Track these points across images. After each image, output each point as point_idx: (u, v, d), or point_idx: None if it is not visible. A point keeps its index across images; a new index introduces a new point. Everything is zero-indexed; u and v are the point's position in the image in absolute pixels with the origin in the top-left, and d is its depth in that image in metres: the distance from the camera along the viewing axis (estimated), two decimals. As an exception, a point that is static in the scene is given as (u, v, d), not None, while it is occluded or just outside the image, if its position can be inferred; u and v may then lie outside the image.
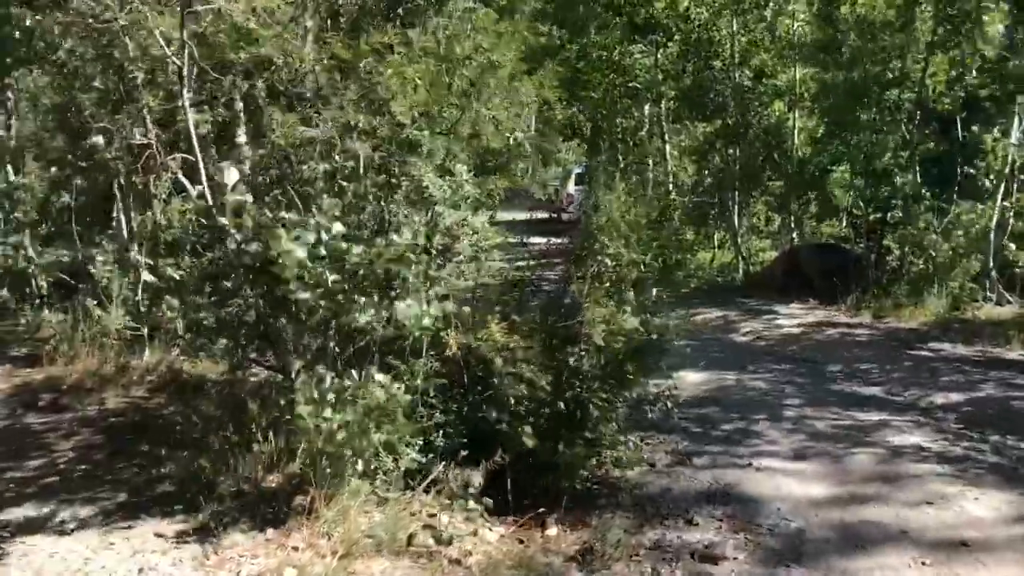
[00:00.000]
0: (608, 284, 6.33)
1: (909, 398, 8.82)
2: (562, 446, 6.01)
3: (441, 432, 6.11)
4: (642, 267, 6.64)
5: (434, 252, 5.53)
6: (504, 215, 31.48)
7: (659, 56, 17.06)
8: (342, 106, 4.54)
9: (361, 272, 4.75)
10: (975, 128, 13.75)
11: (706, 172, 18.11)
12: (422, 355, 5.96)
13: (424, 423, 5.85)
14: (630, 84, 18.34)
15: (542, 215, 33.90)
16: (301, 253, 4.26)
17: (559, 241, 22.58)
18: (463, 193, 5.38)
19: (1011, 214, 13.08)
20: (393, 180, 4.93)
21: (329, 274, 4.77)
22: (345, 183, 4.60)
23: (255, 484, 5.69)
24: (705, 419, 8.05)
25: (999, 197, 13.29)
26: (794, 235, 17.19)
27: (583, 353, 6.10)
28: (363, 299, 4.98)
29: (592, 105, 19.85)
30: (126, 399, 8.24)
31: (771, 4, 16.14)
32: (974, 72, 13.43)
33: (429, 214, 5.42)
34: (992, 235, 13.28)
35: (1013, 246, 13.14)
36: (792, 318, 13.43)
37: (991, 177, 13.38)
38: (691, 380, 9.50)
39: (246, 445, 5.90)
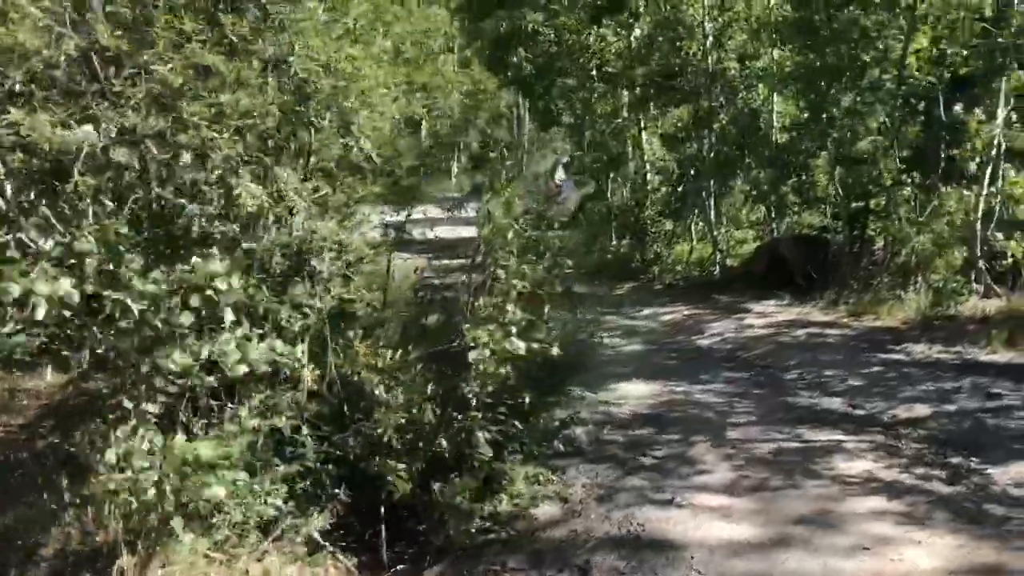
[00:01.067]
0: (499, 300, 5.53)
1: (871, 410, 8.01)
2: (443, 488, 5.26)
3: (312, 476, 5.39)
4: (537, 280, 5.81)
5: (274, 273, 4.78)
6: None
7: (631, 39, 16.17)
8: (119, 105, 3.79)
9: (161, 304, 4.00)
10: (959, 109, 12.81)
11: (682, 160, 17.21)
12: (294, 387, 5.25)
13: (285, 468, 5.13)
14: (603, 69, 17.47)
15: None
16: (43, 288, 3.49)
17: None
18: (287, 204, 4.60)
19: (998, 201, 12.15)
20: (201, 190, 4.17)
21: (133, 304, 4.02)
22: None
23: (81, 542, 4.97)
24: (639, 442, 7.26)
25: (985, 183, 12.36)
26: (775, 225, 16.31)
27: (472, 381, 5.33)
28: (176, 335, 4.24)
29: (565, 92, 19.00)
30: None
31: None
32: (959, 48, 12.49)
33: (262, 230, 4.65)
34: (978, 224, 12.36)
35: (1000, 235, 12.20)
36: (764, 317, 12.59)
37: (976, 162, 12.44)
38: (636, 393, 8.74)
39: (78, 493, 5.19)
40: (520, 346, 5.18)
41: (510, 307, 5.27)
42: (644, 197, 18.61)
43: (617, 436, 7.42)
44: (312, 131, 4.96)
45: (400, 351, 5.41)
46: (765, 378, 9.39)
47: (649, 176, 18.70)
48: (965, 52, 12.49)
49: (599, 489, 6.32)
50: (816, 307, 12.97)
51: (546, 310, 5.79)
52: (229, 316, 4.30)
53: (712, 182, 16.07)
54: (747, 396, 8.63)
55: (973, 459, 6.56)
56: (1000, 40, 11.92)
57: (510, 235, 5.61)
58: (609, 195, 20.13)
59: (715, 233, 16.26)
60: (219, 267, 4.10)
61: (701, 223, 17.05)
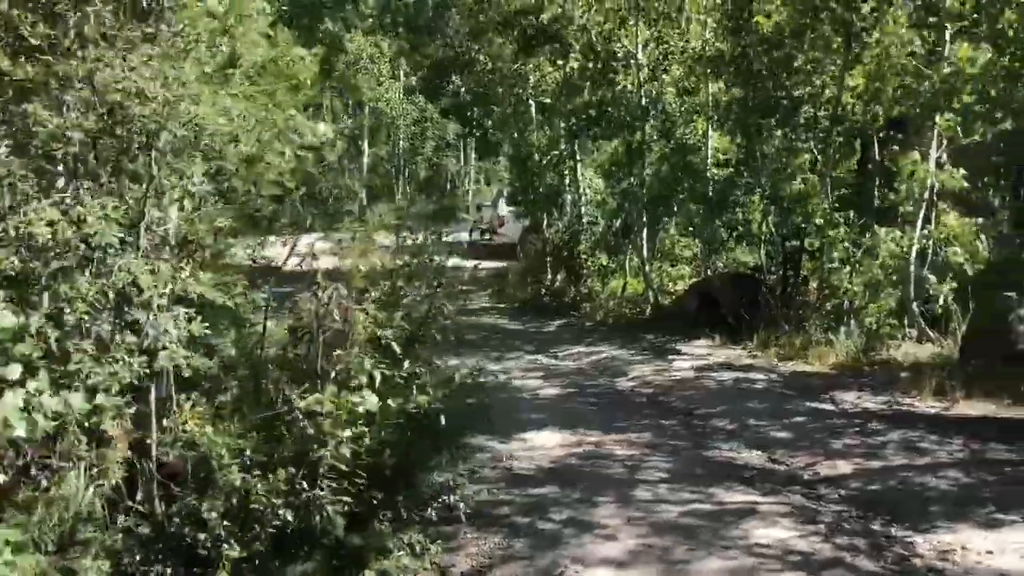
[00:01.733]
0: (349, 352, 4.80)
1: (793, 467, 7.45)
2: (286, 569, 4.50)
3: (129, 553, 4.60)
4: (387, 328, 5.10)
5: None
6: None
7: (565, 70, 15.69)
8: None
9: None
10: (895, 149, 12.52)
11: (616, 194, 16.75)
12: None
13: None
14: (539, 99, 17.00)
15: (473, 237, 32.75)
16: None
17: (489, 266, 20.97)
18: (86, 233, 3.85)
19: (931, 243, 11.81)
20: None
21: None
22: None
23: None
24: (539, 503, 6.57)
25: (919, 224, 12.05)
26: (710, 263, 15.86)
27: (315, 445, 4.59)
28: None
29: (502, 121, 18.48)
30: None
31: (683, 11, 14.89)
32: (889, 89, 12.22)
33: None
34: (912, 266, 12.02)
35: (934, 278, 11.85)
36: (692, 359, 12.06)
37: (910, 203, 12.13)
38: (544, 443, 8.07)
39: None
40: (372, 403, 4.47)
41: (359, 361, 4.54)
42: (579, 231, 18.09)
43: (516, 495, 6.72)
44: (145, 158, 4.24)
45: (237, 416, 4.68)
46: (684, 427, 8.80)
47: (584, 210, 18.20)
48: (898, 92, 12.19)
49: (485, 559, 5.62)
50: (746, 349, 12.49)
51: (410, 362, 5.07)
52: (14, 372, 3.57)
53: (644, 217, 15.59)
54: (663, 448, 8.01)
55: (896, 525, 6.00)
56: (932, 81, 11.63)
57: (359, 277, 4.90)
58: (545, 228, 19.58)
59: (647, 269, 15.74)
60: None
61: (636, 259, 16.54)
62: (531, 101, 17.90)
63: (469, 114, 19.49)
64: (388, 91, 35.19)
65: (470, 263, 25.41)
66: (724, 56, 13.43)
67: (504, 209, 27.26)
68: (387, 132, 42.78)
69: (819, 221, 12.64)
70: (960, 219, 11.75)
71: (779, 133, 13.09)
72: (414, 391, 4.79)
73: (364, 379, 4.47)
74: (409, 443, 5.24)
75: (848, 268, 12.31)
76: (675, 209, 15.28)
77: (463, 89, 19.32)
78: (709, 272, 15.71)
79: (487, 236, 30.68)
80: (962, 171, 11.83)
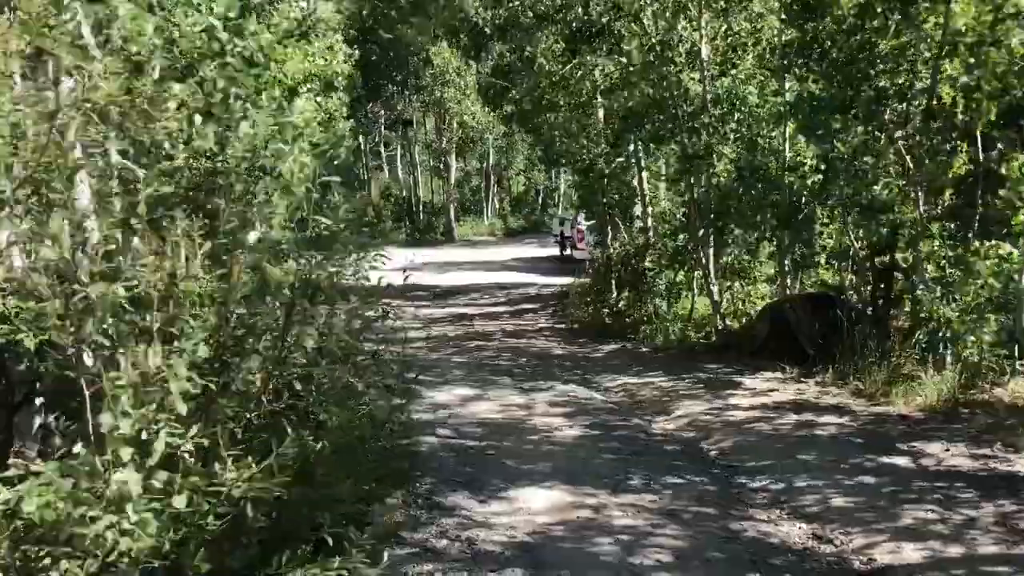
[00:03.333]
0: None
1: (842, 548, 5.75)
2: None
3: None
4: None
5: None
6: (517, 251, 28.62)
7: (619, 68, 14.11)
8: None
9: None
10: (1003, 148, 10.47)
11: (683, 204, 15.07)
12: None
13: None
14: (595, 101, 15.50)
15: (552, 251, 31.35)
16: None
17: (558, 283, 19.54)
18: None
19: (1048, 259, 9.73)
20: None
21: None
22: None
23: None
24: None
25: (1033, 231, 9.97)
26: (789, 281, 13.95)
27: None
28: None
29: (560, 126, 17.01)
30: None
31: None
32: (999, 76, 10.19)
33: None
34: (1021, 285, 9.95)
35: (1051, 301, 9.76)
36: (752, 394, 10.29)
37: (1020, 211, 10.04)
38: (528, 506, 6.58)
39: None
40: (179, 503, 3.11)
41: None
42: (645, 245, 16.46)
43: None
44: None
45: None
46: (717, 485, 7.13)
47: (651, 222, 16.57)
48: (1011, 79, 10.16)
49: None
50: (820, 384, 10.63)
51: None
52: None
53: (710, 230, 13.85)
54: (680, 516, 6.38)
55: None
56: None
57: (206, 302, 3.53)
58: (611, 242, 18.02)
59: (713, 289, 13.98)
60: None
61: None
62: (596, 102, 16.36)
63: (529, 118, 18.01)
64: (473, 103, 34.23)
65: (540, 280, 24.13)
66: (795, 44, 11.60)
67: (583, 223, 25.77)
68: (474, 145, 41.96)
69: (910, 233, 10.69)
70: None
71: (861, 131, 11.15)
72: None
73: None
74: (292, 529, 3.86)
75: (943, 289, 10.30)
76: (746, 222, 13.45)
77: (522, 94, 17.89)
78: (790, 292, 13.81)
79: (567, 251, 29.29)
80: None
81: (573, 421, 9.27)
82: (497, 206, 45.73)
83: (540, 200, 47.73)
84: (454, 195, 43.62)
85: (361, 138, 43.51)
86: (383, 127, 43.85)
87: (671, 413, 9.72)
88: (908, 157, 10.84)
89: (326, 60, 13.98)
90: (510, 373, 12.03)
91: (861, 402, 9.68)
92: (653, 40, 12.95)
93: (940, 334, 10.39)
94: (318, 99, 13.61)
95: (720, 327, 13.77)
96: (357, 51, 35.45)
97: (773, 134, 14.22)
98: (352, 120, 38.79)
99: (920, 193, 10.81)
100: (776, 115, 13.73)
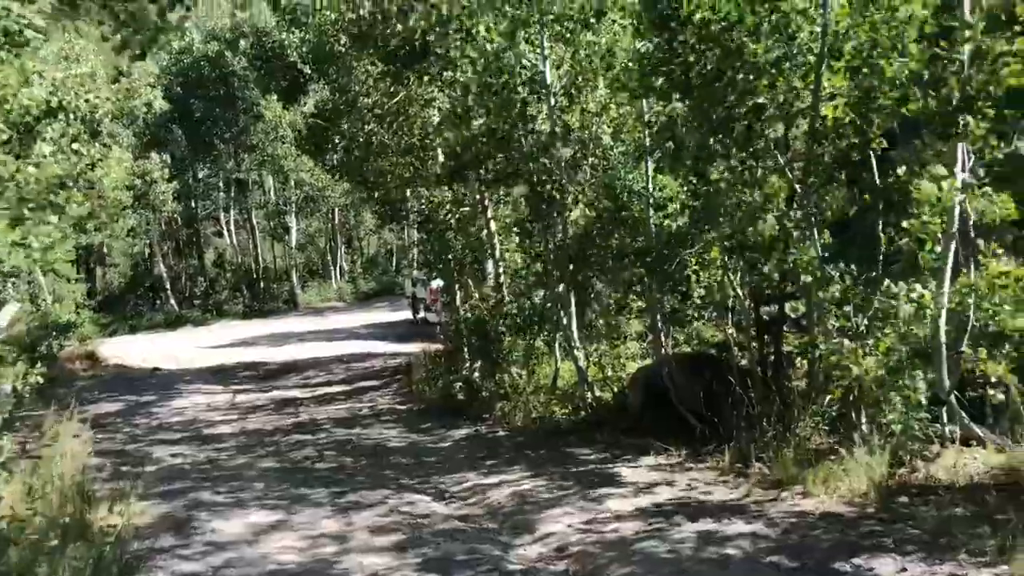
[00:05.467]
0: None
1: None
2: None
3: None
4: None
5: None
6: (367, 317, 25.69)
7: (453, 99, 11.91)
8: None
9: None
10: (898, 171, 8.80)
11: (534, 256, 12.95)
12: None
13: None
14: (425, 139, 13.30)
15: (407, 315, 28.77)
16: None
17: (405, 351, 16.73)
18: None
19: (971, 299, 8.03)
20: None
21: None
22: None
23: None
24: None
25: (947, 272, 8.29)
26: (664, 338, 11.89)
27: None
28: None
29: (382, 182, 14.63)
30: None
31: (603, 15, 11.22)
32: (890, 86, 8.56)
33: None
34: (942, 334, 8.21)
35: (980, 352, 8.01)
36: (635, 493, 8.07)
37: (931, 242, 8.35)
38: None
39: None
40: None
41: None
42: (498, 305, 14.21)
43: None
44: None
45: None
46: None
47: (502, 279, 14.36)
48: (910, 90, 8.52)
49: None
50: (716, 470, 8.56)
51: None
52: None
53: (570, 285, 11.73)
54: None
55: None
56: (953, 68, 8.01)
57: None
58: (459, 302, 15.70)
59: (577, 355, 11.83)
60: None
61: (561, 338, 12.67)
62: (433, 141, 14.08)
63: (363, 169, 15.56)
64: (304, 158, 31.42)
65: (396, 348, 21.53)
66: (653, 59, 9.69)
67: (437, 283, 23.36)
68: (316, 204, 39.10)
69: (805, 277, 8.84)
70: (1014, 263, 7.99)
71: (738, 158, 9.33)
72: None
73: None
74: None
75: (852, 342, 8.43)
76: (608, 274, 11.44)
77: (347, 139, 15.45)
78: (666, 352, 11.72)
79: (421, 314, 26.80)
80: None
81: (402, 558, 6.74)
82: (347, 268, 42.83)
83: (394, 260, 45.15)
84: (297, 259, 40.51)
85: (195, 203, 39.99)
86: (220, 190, 40.46)
87: (535, 531, 7.33)
88: (798, 186, 9.05)
89: (77, 86, 11.08)
90: (331, 481, 9.40)
91: (772, 495, 7.61)
92: (490, 61, 10.82)
93: (853, 398, 8.54)
94: (74, 146, 10.74)
95: (588, 399, 11.56)
96: (164, 103, 32.51)
97: (631, 176, 12.36)
98: (175, 182, 35.65)
99: (814, 230, 9.01)
100: (635, 151, 11.88)
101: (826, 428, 8.68)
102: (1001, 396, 8.11)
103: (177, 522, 7.98)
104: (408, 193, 15.32)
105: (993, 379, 7.96)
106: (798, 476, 7.79)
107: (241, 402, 15.68)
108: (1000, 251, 8.08)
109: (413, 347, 19.44)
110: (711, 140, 9.34)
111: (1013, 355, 7.82)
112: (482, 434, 11.55)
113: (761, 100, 9.13)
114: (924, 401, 7.98)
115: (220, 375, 19.53)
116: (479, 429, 11.81)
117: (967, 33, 7.84)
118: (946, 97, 8.09)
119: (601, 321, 12.49)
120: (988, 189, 8.08)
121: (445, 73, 11.52)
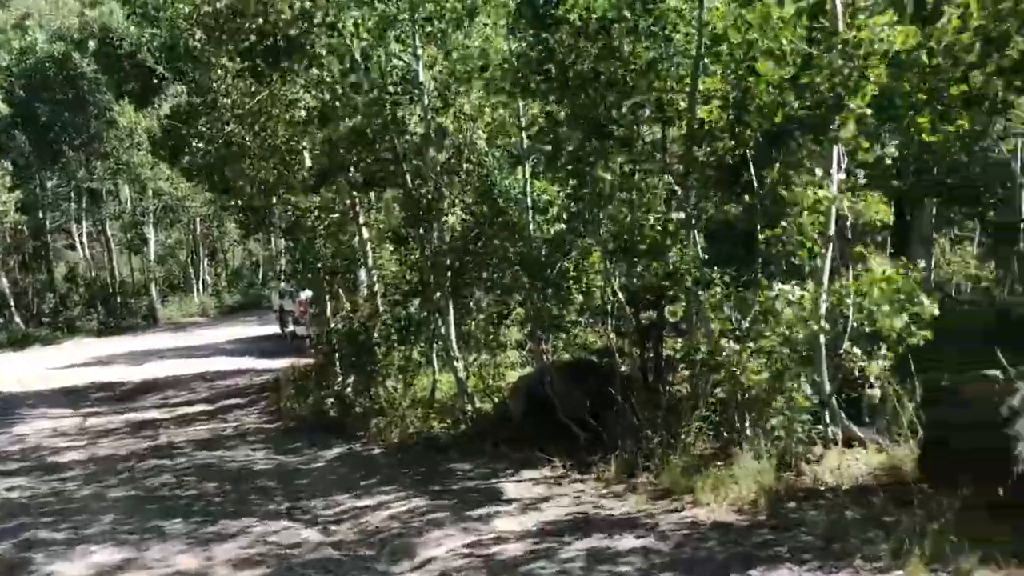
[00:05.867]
0: None
1: None
2: None
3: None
4: None
5: None
6: (233, 332, 24.24)
7: (319, 98, 11.26)
8: None
9: None
10: (774, 173, 8.78)
11: (408, 264, 12.42)
12: None
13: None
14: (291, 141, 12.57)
15: (274, 329, 27.57)
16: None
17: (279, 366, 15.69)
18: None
19: (850, 300, 8.04)
20: None
21: None
22: None
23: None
24: None
25: (826, 274, 8.30)
26: (548, 348, 11.53)
27: None
28: None
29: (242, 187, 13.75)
30: None
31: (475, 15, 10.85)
32: (762, 89, 8.52)
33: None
34: (822, 337, 8.20)
35: (857, 351, 8.03)
36: (521, 510, 7.68)
37: (810, 245, 8.34)
38: None
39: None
40: None
41: None
42: (372, 316, 13.57)
43: None
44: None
45: None
46: None
47: (377, 287, 13.73)
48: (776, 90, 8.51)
49: None
50: (602, 481, 8.28)
51: None
52: None
53: (448, 293, 11.28)
54: None
55: None
56: (827, 71, 8.00)
57: None
58: (329, 314, 14.98)
59: (456, 365, 11.38)
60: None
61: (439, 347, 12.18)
62: (299, 143, 13.33)
63: (223, 173, 14.60)
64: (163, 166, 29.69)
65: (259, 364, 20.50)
66: (529, 58, 9.37)
67: (306, 294, 22.35)
68: (175, 214, 37.18)
69: (687, 280, 8.70)
70: (888, 264, 8.08)
71: (617, 161, 9.11)
72: None
73: None
74: None
75: (733, 344, 8.32)
76: (487, 282, 11.06)
77: (205, 141, 14.48)
78: (547, 359, 11.37)
79: (289, 327, 25.70)
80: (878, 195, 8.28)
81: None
82: (210, 282, 40.91)
83: (260, 272, 43.45)
84: (156, 272, 38.39)
85: (43, 213, 37.23)
86: (72, 200, 37.81)
87: (415, 556, 6.81)
88: (678, 189, 8.90)
89: None
90: (190, 510, 8.59)
91: (661, 506, 7.37)
92: (358, 58, 10.25)
93: (737, 402, 8.42)
94: None
95: (468, 411, 11.12)
96: (4, 106, 30.15)
97: (508, 180, 12.06)
98: (19, 192, 33.08)
99: (696, 232, 8.89)
100: (512, 155, 11.58)
101: (711, 433, 8.57)
102: (878, 396, 8.22)
103: (9, 566, 7.07)
104: (274, 200, 14.44)
105: (871, 379, 8.05)
106: (686, 484, 7.58)
107: (92, 426, 14.43)
108: (872, 252, 8.17)
109: (282, 362, 18.55)
110: (590, 142, 9.08)
111: (889, 355, 7.89)
112: (356, 452, 10.91)
113: (639, 100, 8.95)
114: (807, 403, 7.96)
115: (71, 397, 18.03)
116: (353, 447, 11.16)
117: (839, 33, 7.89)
118: (818, 99, 8.10)
119: (480, 330, 12.03)
120: (863, 192, 8.18)
121: (311, 71, 10.84)
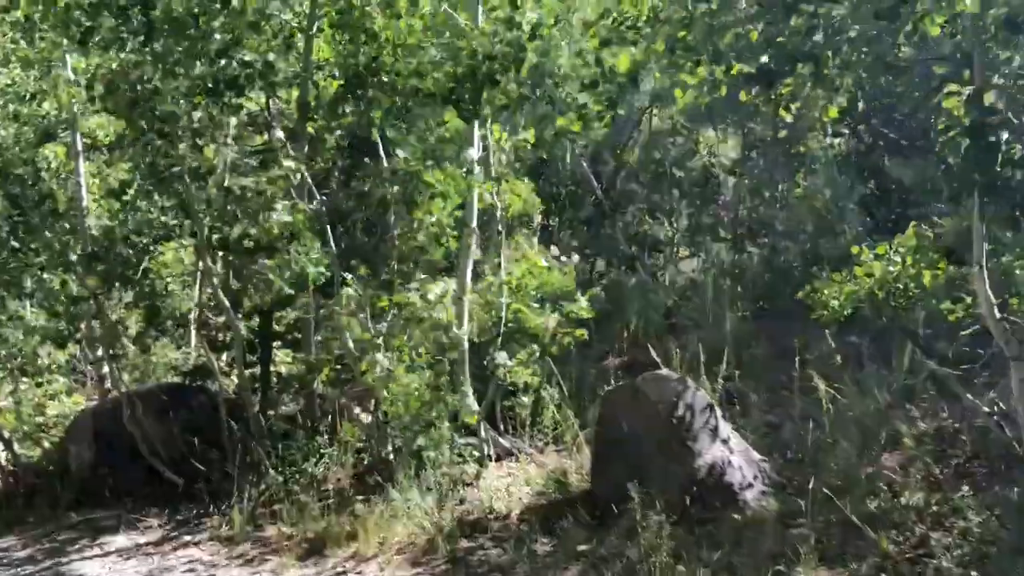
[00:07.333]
0: None
1: None
2: None
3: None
4: None
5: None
6: None
7: None
8: None
9: None
10: (405, 156, 7.65)
11: None
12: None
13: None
14: None
15: None
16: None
17: None
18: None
19: (501, 299, 7.22)
20: None
21: None
22: None
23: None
24: None
25: (468, 270, 7.42)
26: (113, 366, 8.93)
27: None
28: None
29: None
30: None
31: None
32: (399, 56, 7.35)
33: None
34: (464, 340, 7.28)
35: (503, 354, 7.22)
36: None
37: (445, 239, 7.37)
38: None
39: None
40: None
41: None
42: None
43: None
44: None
45: None
46: None
47: None
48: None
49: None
50: (222, 540, 6.43)
51: None
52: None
53: None
54: None
55: None
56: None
57: None
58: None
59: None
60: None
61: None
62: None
63: None
64: None
65: None
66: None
67: None
68: None
69: (315, 279, 7.19)
70: (539, 255, 7.42)
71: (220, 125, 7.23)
72: None
73: None
74: None
75: (379, 356, 7.04)
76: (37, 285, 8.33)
77: None
78: (120, 383, 8.75)
79: None
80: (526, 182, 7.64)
81: None
82: None
83: None
84: None
85: None
86: None
87: None
88: (306, 173, 7.32)
89: None
90: None
91: (315, 565, 5.81)
92: None
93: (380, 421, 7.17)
94: None
95: (4, 463, 8.26)
96: None
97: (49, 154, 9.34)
98: None
99: (327, 225, 7.40)
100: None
101: (349, 461, 7.19)
102: (527, 403, 7.59)
103: None
104: None
105: (521, 385, 7.35)
106: (338, 533, 6.11)
107: None
108: (522, 244, 7.51)
109: None
110: (185, 107, 7.10)
111: (537, 357, 7.27)
112: None
113: (248, 57, 7.19)
114: (456, 419, 7.01)
115: None
116: None
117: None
118: (454, 71, 7.14)
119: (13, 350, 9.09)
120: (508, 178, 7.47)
121: None
